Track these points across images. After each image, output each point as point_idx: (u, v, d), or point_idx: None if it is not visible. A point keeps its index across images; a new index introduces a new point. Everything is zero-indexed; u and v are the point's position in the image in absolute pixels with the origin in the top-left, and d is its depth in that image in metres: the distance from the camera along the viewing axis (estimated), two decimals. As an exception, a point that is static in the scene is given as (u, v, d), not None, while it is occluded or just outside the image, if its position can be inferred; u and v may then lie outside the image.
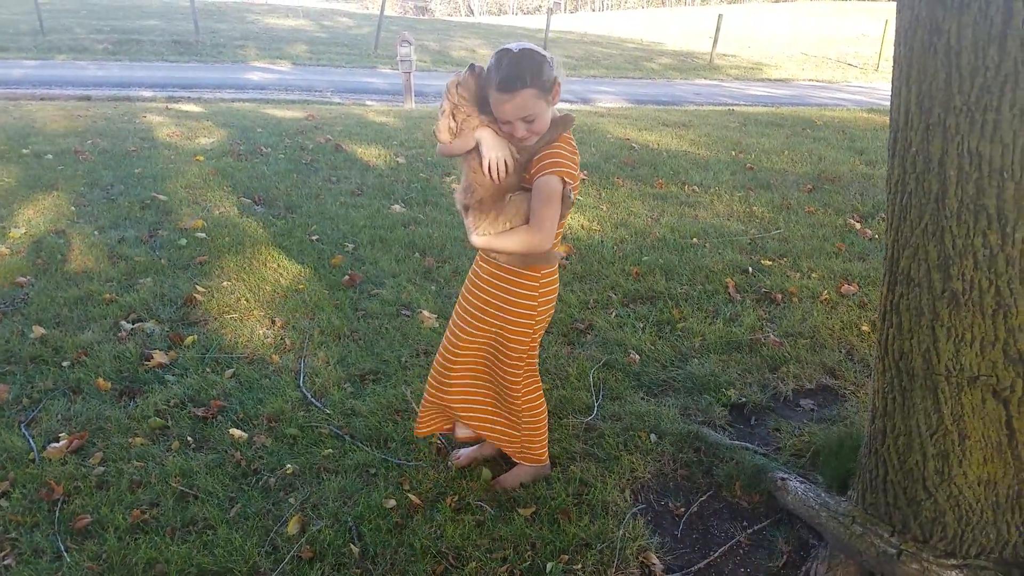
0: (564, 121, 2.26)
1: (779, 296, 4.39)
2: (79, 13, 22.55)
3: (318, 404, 3.33)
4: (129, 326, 3.99)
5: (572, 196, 2.27)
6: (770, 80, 18.89)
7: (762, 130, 9.77)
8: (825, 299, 4.40)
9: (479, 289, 2.49)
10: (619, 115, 10.71)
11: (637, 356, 3.68)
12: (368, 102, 13.05)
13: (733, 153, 8.17)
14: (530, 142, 2.20)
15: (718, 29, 20.61)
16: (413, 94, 11.68)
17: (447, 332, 2.63)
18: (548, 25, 20.21)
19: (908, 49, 1.90)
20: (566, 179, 2.18)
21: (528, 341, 2.52)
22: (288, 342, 3.86)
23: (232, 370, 3.61)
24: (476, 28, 27.49)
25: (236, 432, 3.11)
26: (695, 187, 6.71)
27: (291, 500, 2.75)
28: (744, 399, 3.38)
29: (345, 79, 15.59)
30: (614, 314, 4.18)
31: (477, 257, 2.58)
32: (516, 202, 2.31)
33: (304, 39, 21.43)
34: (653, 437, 3.06)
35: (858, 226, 5.73)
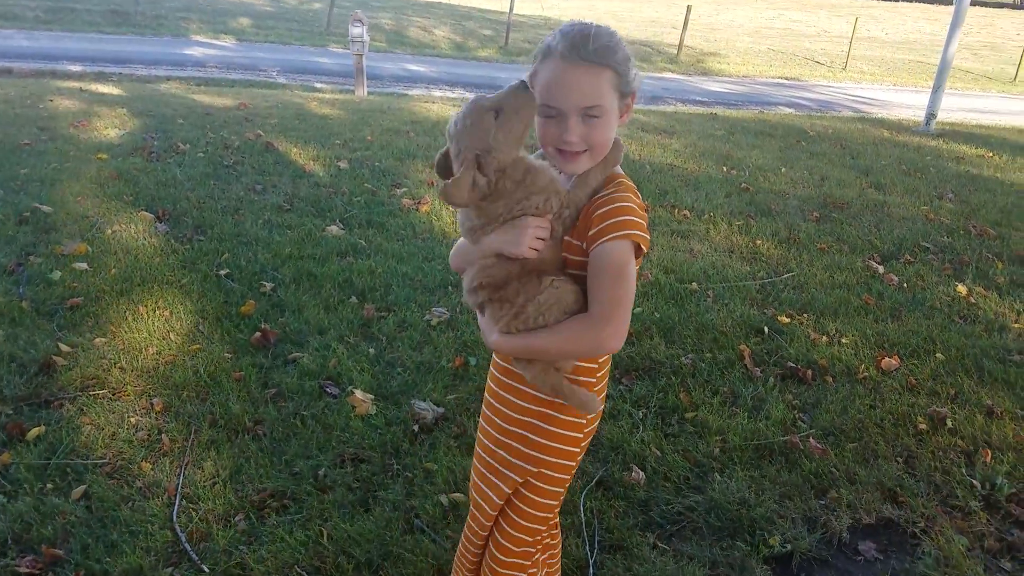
0: (616, 151, 1.52)
1: (808, 373, 3.51)
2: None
3: (193, 556, 2.33)
4: (-46, 407, 2.91)
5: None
6: (737, 77, 18.14)
7: (752, 140, 8.91)
8: (864, 377, 3.53)
9: (506, 425, 1.68)
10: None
11: (642, 473, 2.75)
12: (317, 84, 11.86)
13: (724, 169, 7.30)
14: (578, 165, 1.47)
15: (686, 22, 19.79)
16: (365, 78, 10.55)
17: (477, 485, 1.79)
18: (512, 8, 19.10)
19: None
20: (643, 245, 1.45)
21: (566, 482, 1.71)
22: (166, 440, 2.83)
23: (84, 487, 2.58)
24: (435, 8, 26.15)
25: (64, 611, 2.09)
26: (686, 211, 5.81)
27: None
28: (788, 546, 2.48)
29: (293, 58, 14.32)
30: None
31: (493, 378, 1.71)
32: (557, 291, 1.45)
33: (251, 13, 19.90)
34: (675, 628, 2.14)
35: (880, 269, 4.90)
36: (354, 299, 3.95)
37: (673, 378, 3.39)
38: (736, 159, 7.78)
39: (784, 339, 3.84)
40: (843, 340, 3.87)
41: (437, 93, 11.96)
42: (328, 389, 3.19)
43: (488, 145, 1.40)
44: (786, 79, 18.42)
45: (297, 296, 3.92)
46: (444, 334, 3.67)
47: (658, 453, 2.87)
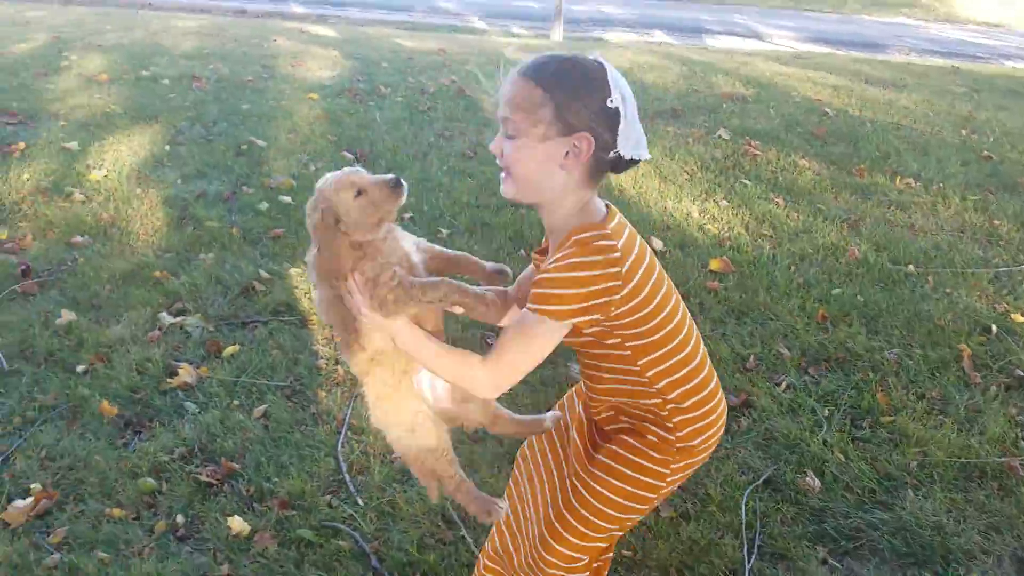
0: (586, 215, 1.45)
1: (1044, 387, 2.96)
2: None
3: (352, 487, 2.43)
4: (169, 320, 3.27)
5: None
6: (987, 26, 15.56)
7: (1001, 101, 7.64)
8: (1119, 400, 2.91)
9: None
10: (807, 64, 8.86)
11: (818, 480, 2.46)
12: (515, 29, 11.83)
13: (963, 132, 6.31)
14: (505, 187, 1.46)
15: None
16: (562, 21, 10.33)
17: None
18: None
19: None
20: (561, 319, 1.39)
21: (623, 518, 1.59)
22: (341, 371, 2.98)
23: (264, 407, 2.78)
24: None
25: (236, 523, 2.27)
26: (910, 180, 5.10)
27: None
28: (991, 588, 2.12)
29: (493, 1, 14.24)
30: (784, 385, 2.94)
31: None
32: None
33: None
34: (838, 660, 1.90)
35: None
36: (522, 252, 3.90)
37: (871, 374, 3.00)
38: (979, 122, 6.70)
39: (1017, 342, 3.25)
40: (1096, 351, 3.21)
41: (632, 37, 11.47)
42: (489, 340, 3.18)
43: (341, 219, 1.42)
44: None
45: (470, 245, 3.94)
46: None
47: (841, 458, 2.55)
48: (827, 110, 6.67)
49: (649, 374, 1.49)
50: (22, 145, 4.94)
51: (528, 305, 1.40)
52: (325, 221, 1.41)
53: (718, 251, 3.93)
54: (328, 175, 1.46)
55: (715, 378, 1.58)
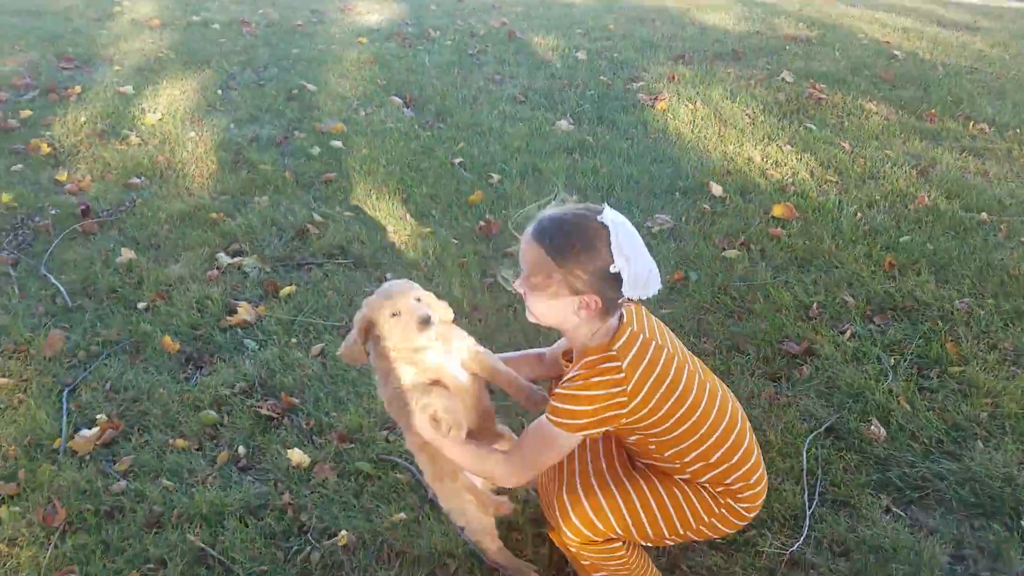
0: (601, 334, 1.59)
1: None
2: None
3: (407, 426, 2.45)
4: (227, 260, 3.31)
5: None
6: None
7: (1086, 41, 7.16)
8: None
9: None
10: (874, 5, 8.39)
11: (883, 428, 2.39)
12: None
13: (1044, 76, 5.95)
14: (530, 316, 1.66)
15: None
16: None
17: None
18: None
19: None
20: (572, 432, 1.57)
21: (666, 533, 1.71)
22: (395, 314, 2.98)
23: (322, 345, 2.81)
24: None
25: (296, 455, 2.31)
26: (984, 125, 4.83)
27: (331, 602, 1.92)
28: (1064, 541, 2.04)
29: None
30: (849, 333, 2.85)
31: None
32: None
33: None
34: (902, 607, 1.86)
35: None
36: (575, 197, 3.82)
37: (940, 324, 2.88)
38: (1060, 65, 6.30)
39: (1098, 293, 3.08)
40: None
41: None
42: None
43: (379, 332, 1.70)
44: None
45: (521, 190, 3.87)
46: (665, 244, 3.43)
47: (907, 408, 2.47)
48: (896, 52, 6.33)
49: (677, 463, 1.62)
50: (78, 89, 5.01)
51: (546, 413, 1.58)
52: (365, 326, 1.69)
53: (781, 197, 3.80)
54: (389, 285, 1.73)
55: (755, 452, 1.70)
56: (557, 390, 1.58)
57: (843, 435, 2.38)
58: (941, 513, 2.13)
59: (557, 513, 1.67)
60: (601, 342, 1.57)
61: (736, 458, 1.63)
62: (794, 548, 1.99)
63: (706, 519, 1.66)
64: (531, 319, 1.64)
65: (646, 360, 1.55)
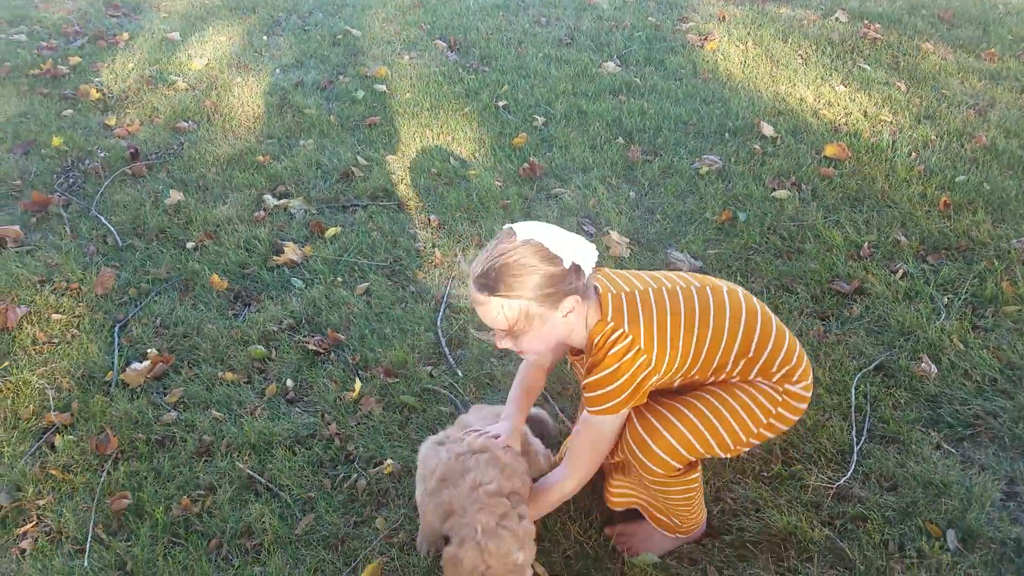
0: (592, 315, 1.61)
1: None
2: None
3: (451, 360, 2.48)
4: (273, 201, 3.35)
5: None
6: None
7: None
8: None
9: None
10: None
11: (934, 366, 2.33)
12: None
13: (1120, 11, 5.58)
14: (529, 355, 1.72)
15: None
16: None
17: None
18: None
19: None
20: (619, 411, 1.61)
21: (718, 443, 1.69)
22: (439, 254, 3.00)
23: (366, 284, 2.85)
24: None
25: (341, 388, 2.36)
26: (1052, 64, 4.58)
27: (376, 525, 1.97)
28: (1123, 482, 1.98)
29: None
30: (901, 272, 2.77)
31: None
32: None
33: None
34: (951, 540, 1.84)
35: None
36: (621, 140, 3.75)
37: (996, 263, 2.78)
38: None
39: None
40: None
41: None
42: (585, 227, 3.12)
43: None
44: None
45: (566, 133, 3.82)
46: (713, 184, 3.36)
47: (960, 346, 2.40)
48: (958, -10, 6.00)
49: (722, 375, 1.66)
50: (126, 36, 5.06)
51: (587, 410, 1.62)
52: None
53: (834, 137, 3.68)
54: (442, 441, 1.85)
55: (786, 332, 1.69)
56: (587, 382, 1.60)
57: (893, 373, 2.34)
58: (994, 451, 2.09)
59: (639, 452, 1.66)
60: (595, 321, 1.59)
61: (771, 344, 1.64)
62: (841, 481, 1.97)
63: (773, 410, 1.66)
64: (532, 359, 1.68)
65: (640, 312, 1.58)
